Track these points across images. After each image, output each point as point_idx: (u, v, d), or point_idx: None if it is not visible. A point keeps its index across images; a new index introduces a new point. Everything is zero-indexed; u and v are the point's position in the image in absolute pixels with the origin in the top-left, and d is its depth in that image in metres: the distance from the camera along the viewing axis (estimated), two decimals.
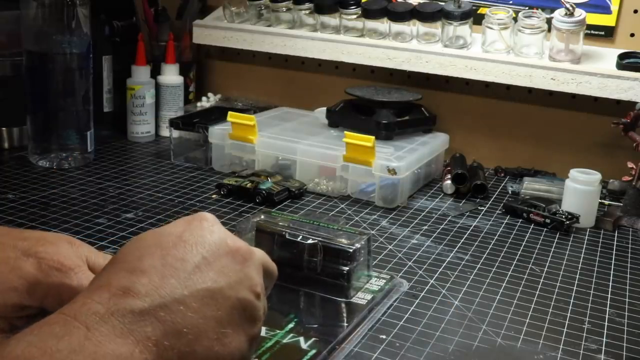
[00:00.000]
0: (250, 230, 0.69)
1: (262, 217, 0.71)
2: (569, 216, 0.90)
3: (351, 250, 0.65)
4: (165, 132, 1.24)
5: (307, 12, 1.21)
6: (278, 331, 0.58)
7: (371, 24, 1.17)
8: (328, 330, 0.59)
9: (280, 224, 0.69)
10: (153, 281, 0.41)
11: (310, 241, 0.65)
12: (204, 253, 0.44)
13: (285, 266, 0.66)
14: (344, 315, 0.63)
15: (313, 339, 0.57)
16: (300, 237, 0.66)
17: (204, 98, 1.33)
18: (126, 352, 0.37)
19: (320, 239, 0.65)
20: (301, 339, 0.57)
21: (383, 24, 1.16)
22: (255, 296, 0.45)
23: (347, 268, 0.64)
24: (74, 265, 0.52)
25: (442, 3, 1.12)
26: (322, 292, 0.65)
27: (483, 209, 0.98)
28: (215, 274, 0.44)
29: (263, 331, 0.57)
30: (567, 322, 0.66)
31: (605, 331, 0.64)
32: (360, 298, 0.65)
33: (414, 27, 1.15)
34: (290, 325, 0.59)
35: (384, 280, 0.70)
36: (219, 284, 0.43)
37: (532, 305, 0.69)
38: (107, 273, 0.43)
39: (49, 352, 0.35)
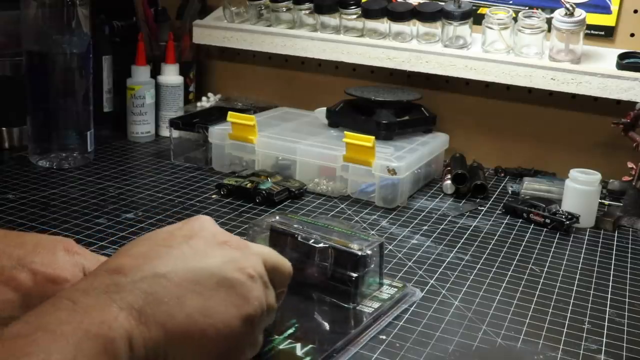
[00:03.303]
0: (265, 230, 0.69)
1: (278, 218, 0.71)
2: (569, 216, 0.90)
3: (359, 255, 0.64)
4: (165, 132, 1.24)
5: (307, 12, 1.21)
6: (276, 336, 0.57)
7: (371, 24, 1.17)
8: (328, 338, 0.58)
9: (295, 226, 0.68)
10: (137, 261, 0.45)
11: (321, 245, 0.64)
12: (192, 243, 0.47)
13: (297, 269, 0.66)
14: (348, 322, 0.62)
15: (310, 345, 0.56)
16: (312, 240, 0.65)
17: (204, 98, 1.33)
18: (110, 318, 0.40)
19: (331, 243, 0.65)
20: (298, 345, 0.56)
21: (383, 24, 1.16)
22: (247, 277, 0.47)
23: (356, 274, 0.64)
24: (70, 276, 0.53)
25: (442, 3, 1.11)
26: (330, 297, 0.64)
27: (483, 209, 0.98)
28: (201, 257, 0.47)
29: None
30: (567, 322, 0.66)
31: (605, 331, 0.64)
32: (368, 306, 0.64)
33: (414, 27, 1.15)
34: (290, 331, 0.58)
35: (396, 289, 0.68)
36: (202, 264, 0.46)
37: (532, 305, 0.69)
38: (101, 264, 0.47)
39: (42, 326, 0.38)
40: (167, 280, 0.44)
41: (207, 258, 0.47)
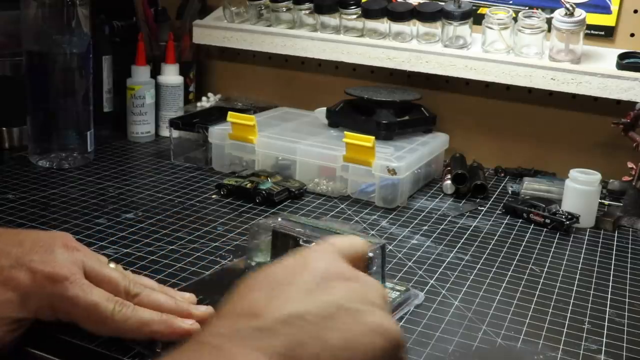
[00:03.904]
0: (267, 232, 0.69)
1: (280, 219, 0.70)
2: (569, 216, 0.90)
3: None
4: (165, 132, 1.24)
5: (307, 12, 1.21)
6: None
7: (371, 24, 1.17)
8: None
9: (297, 229, 0.68)
10: (269, 303, 0.43)
11: None
12: (312, 279, 0.46)
13: None
14: None
15: None
16: (314, 243, 0.65)
17: (204, 98, 1.33)
18: None
19: None
20: None
21: (383, 24, 1.16)
22: (371, 305, 0.46)
23: None
24: (69, 274, 0.52)
25: (442, 3, 1.11)
26: None
27: (483, 209, 0.98)
28: (326, 291, 0.45)
29: None
30: (567, 322, 0.66)
31: (605, 331, 0.65)
32: None
33: (414, 27, 1.15)
34: None
35: (398, 292, 0.68)
36: (329, 298, 0.45)
37: (532, 306, 0.69)
38: (225, 307, 0.45)
39: None
40: (303, 321, 0.43)
41: (332, 292, 0.45)
